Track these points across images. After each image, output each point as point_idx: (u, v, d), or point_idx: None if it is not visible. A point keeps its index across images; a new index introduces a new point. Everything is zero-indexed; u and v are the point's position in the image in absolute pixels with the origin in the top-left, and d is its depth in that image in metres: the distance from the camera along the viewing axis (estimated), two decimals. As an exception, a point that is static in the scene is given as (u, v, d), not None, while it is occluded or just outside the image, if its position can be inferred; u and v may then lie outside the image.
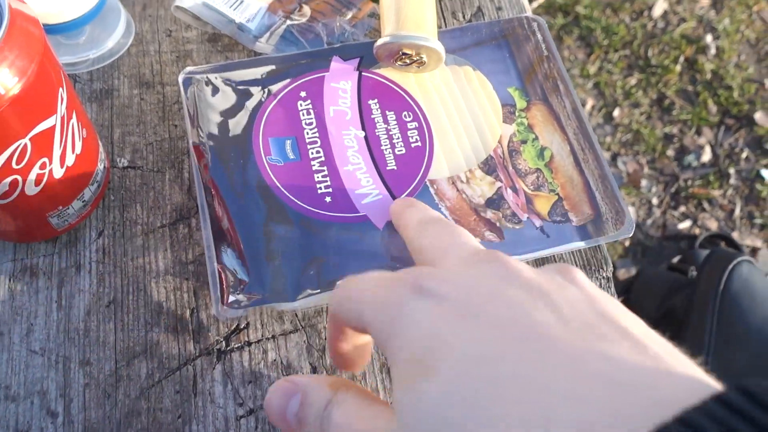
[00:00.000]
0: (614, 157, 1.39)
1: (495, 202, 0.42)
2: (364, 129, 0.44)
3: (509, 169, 0.43)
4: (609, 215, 0.42)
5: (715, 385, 0.19)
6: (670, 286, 0.97)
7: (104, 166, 0.42)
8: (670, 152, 1.40)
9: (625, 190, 1.35)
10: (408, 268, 0.27)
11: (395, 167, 0.43)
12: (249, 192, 0.41)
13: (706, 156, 1.40)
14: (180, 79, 0.45)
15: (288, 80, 0.45)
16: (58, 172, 0.37)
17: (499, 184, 0.43)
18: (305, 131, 0.43)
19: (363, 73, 0.46)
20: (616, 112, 1.43)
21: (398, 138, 0.44)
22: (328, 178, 0.42)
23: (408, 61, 0.44)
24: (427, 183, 0.42)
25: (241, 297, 0.38)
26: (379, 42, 0.44)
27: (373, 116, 0.44)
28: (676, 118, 1.43)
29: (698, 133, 1.42)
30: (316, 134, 0.43)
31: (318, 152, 0.43)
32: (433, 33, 0.44)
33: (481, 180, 0.43)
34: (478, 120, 0.45)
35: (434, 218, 0.33)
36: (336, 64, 0.46)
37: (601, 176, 0.43)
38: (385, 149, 0.43)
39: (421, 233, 0.31)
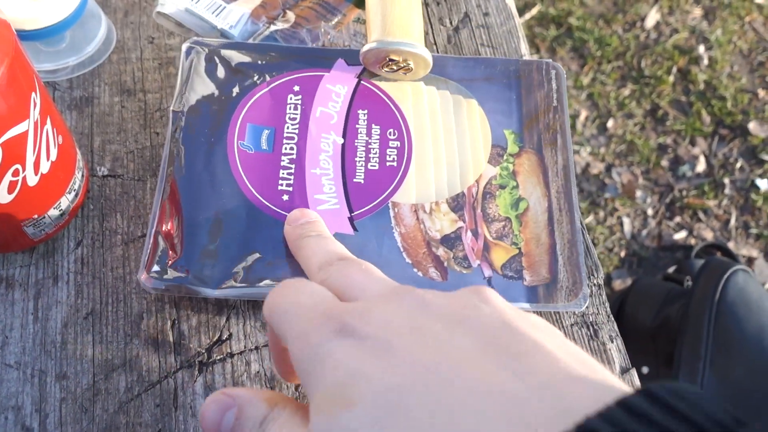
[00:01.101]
0: (608, 168, 1.39)
1: (450, 240, 0.41)
2: (344, 136, 0.43)
3: (477, 211, 0.42)
4: (565, 284, 0.40)
5: (624, 390, 0.19)
6: (666, 296, 0.96)
7: (83, 175, 0.41)
8: (665, 163, 1.40)
9: (620, 201, 1.35)
10: (333, 300, 0.27)
11: (362, 181, 0.42)
12: (209, 171, 0.41)
13: (701, 166, 1.39)
14: (183, 47, 0.45)
15: (286, 71, 0.44)
16: (32, 180, 0.36)
17: (461, 223, 0.41)
18: (286, 125, 0.43)
19: (362, 82, 0.45)
20: (609, 123, 1.43)
21: (375, 153, 0.43)
22: (292, 177, 0.41)
23: (395, 67, 0.43)
24: (390, 204, 0.41)
25: (163, 269, 0.38)
26: (366, 48, 0.43)
27: (357, 126, 0.43)
28: (670, 129, 1.43)
29: (692, 143, 1.42)
30: (296, 131, 0.43)
31: (291, 149, 0.42)
32: (420, 39, 0.44)
33: (445, 215, 0.41)
34: (464, 154, 0.43)
35: (336, 256, 0.32)
36: (339, 66, 0.45)
37: (570, 242, 0.41)
38: (359, 161, 0.42)
39: (329, 276, 0.31)
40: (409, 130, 0.44)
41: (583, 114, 1.44)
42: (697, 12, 1.58)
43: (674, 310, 0.91)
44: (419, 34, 0.44)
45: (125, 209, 0.43)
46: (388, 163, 0.42)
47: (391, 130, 0.43)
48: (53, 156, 0.36)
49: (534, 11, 1.54)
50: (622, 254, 1.31)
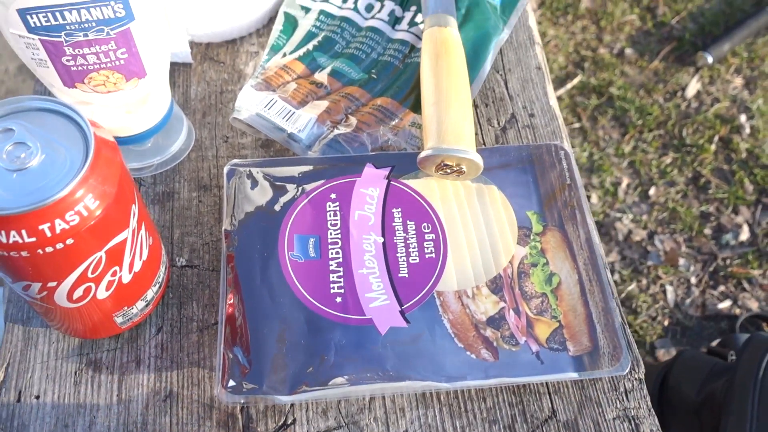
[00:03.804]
0: (651, 236, 1.40)
1: (496, 321, 0.44)
2: (383, 235, 0.47)
3: (515, 290, 0.45)
4: (606, 350, 0.43)
5: None
6: (710, 371, 0.96)
7: (166, 267, 0.45)
8: (708, 231, 1.40)
9: (663, 269, 1.36)
10: None
11: (407, 275, 0.45)
12: (266, 285, 0.44)
13: (744, 235, 1.40)
14: (225, 169, 0.49)
15: (322, 181, 0.48)
16: (127, 278, 0.40)
17: (502, 304, 0.44)
18: (329, 231, 0.46)
19: (392, 182, 0.49)
20: (651, 191, 1.44)
21: (414, 247, 0.46)
22: (342, 279, 0.45)
23: (449, 170, 0.47)
24: (435, 294, 0.45)
25: (239, 384, 0.41)
26: (423, 154, 0.47)
27: (394, 224, 0.47)
28: (712, 197, 1.44)
29: (735, 212, 1.42)
30: (339, 236, 0.46)
31: (337, 253, 0.46)
32: (472, 144, 0.47)
33: (487, 298, 0.45)
34: (494, 238, 0.47)
35: None
36: (369, 170, 0.49)
37: (605, 310, 0.44)
38: (400, 257, 0.46)
39: None
40: (441, 222, 0.47)
41: (625, 181, 1.46)
42: (738, 82, 1.60)
43: (719, 385, 0.91)
44: (471, 139, 0.48)
45: (201, 298, 0.47)
46: (427, 255, 0.46)
47: (425, 223, 0.47)
48: (144, 256, 0.41)
49: (575, 81, 1.59)
50: (666, 323, 1.31)
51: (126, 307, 0.42)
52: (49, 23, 0.40)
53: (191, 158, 0.53)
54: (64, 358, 0.44)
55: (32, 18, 0.39)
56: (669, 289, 1.35)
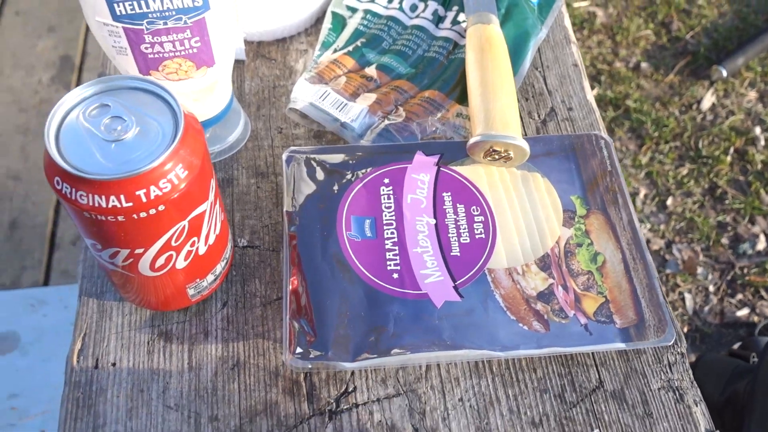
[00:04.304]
0: (669, 245, 1.42)
1: (546, 296, 0.46)
2: (435, 217, 0.49)
3: (563, 268, 0.48)
4: (652, 322, 0.46)
5: None
6: (733, 372, 0.98)
7: (231, 245, 0.48)
8: (725, 240, 1.42)
9: (681, 277, 1.37)
10: None
11: (458, 254, 0.48)
12: (327, 262, 0.47)
13: (761, 244, 1.42)
14: (284, 156, 0.52)
15: (375, 167, 0.51)
16: (203, 249, 0.43)
17: (551, 280, 0.47)
18: (384, 213, 0.49)
19: (441, 169, 0.52)
20: (669, 201, 1.47)
21: (465, 228, 0.49)
22: (398, 257, 0.47)
23: (497, 156, 0.50)
24: (486, 271, 0.47)
25: (306, 351, 0.44)
26: (472, 140, 0.50)
27: (445, 207, 0.50)
28: (729, 207, 1.46)
29: (752, 222, 1.44)
30: (393, 217, 0.49)
31: (392, 233, 0.48)
32: (518, 131, 0.50)
33: (536, 275, 0.47)
34: (540, 221, 0.49)
35: None
36: (419, 157, 0.52)
37: (649, 286, 0.47)
38: (452, 237, 0.48)
39: None
40: (489, 205, 0.50)
41: (643, 192, 1.49)
42: (753, 95, 1.63)
43: (742, 386, 0.93)
44: (517, 126, 0.51)
45: (262, 275, 0.50)
46: (477, 236, 0.49)
47: (474, 207, 0.50)
48: (218, 230, 0.44)
49: (593, 93, 1.62)
50: (685, 330, 1.32)
51: (198, 279, 0.45)
52: (133, 11, 0.43)
53: (248, 147, 0.56)
54: (137, 329, 0.47)
55: (119, 6, 0.43)
56: (687, 296, 1.36)
